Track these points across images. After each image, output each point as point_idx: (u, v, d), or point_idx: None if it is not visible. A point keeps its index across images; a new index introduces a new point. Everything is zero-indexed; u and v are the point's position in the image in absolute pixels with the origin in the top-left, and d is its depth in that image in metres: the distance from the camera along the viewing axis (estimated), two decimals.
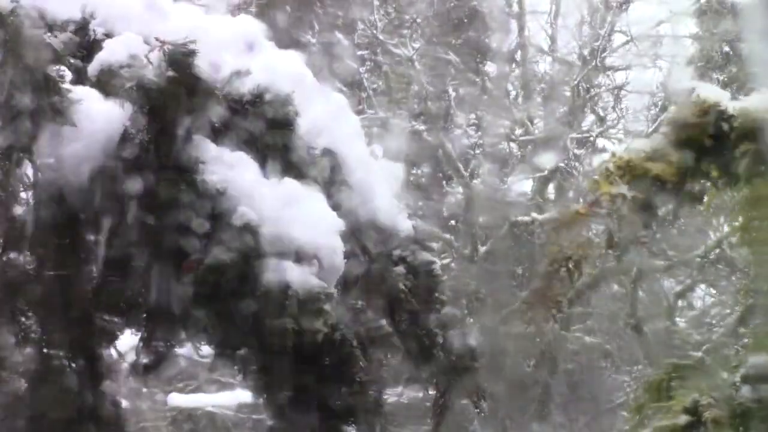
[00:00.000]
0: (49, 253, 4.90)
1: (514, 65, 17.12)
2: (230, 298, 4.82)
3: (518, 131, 16.67)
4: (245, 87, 5.11)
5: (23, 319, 5.00)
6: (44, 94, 4.56)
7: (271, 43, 5.50)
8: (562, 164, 16.02)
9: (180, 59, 4.80)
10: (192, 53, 4.81)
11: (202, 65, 4.93)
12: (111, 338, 5.20)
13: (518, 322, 15.13)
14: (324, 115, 5.30)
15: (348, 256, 5.08)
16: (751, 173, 5.62)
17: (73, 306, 4.94)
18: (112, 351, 5.30)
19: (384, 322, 5.22)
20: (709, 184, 5.84)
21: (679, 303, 16.18)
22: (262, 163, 5.05)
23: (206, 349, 5.29)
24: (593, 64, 16.18)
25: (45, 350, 4.94)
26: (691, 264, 15.35)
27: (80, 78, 4.87)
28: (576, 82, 16.24)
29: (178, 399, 13.53)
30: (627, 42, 16.94)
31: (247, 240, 4.81)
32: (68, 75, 4.73)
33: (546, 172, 16.00)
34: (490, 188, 15.77)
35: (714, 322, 15.28)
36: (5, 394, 5.00)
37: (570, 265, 5.64)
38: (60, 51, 4.86)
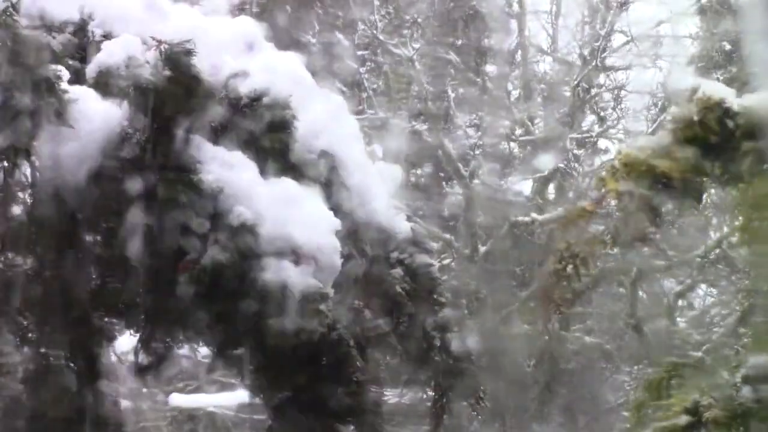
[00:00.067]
0: (48, 254, 4.90)
1: (514, 65, 17.12)
2: (227, 298, 4.82)
3: (518, 131, 16.67)
4: (244, 88, 5.11)
5: (22, 319, 5.00)
6: (42, 94, 4.56)
7: (271, 44, 5.50)
8: (562, 164, 16.01)
9: (177, 59, 4.80)
10: (189, 53, 4.81)
11: (202, 66, 4.94)
12: (110, 338, 5.21)
13: (518, 322, 15.14)
14: (322, 117, 5.30)
15: (346, 257, 5.08)
16: (753, 172, 5.61)
17: (72, 306, 4.94)
18: (112, 351, 5.31)
19: (381, 322, 5.22)
20: (711, 182, 5.83)
21: (679, 303, 16.18)
22: (261, 163, 5.05)
23: (205, 349, 5.30)
24: (593, 64, 16.18)
25: (43, 350, 4.94)
26: (691, 264, 15.34)
27: (78, 79, 4.87)
28: (576, 83, 16.23)
29: (178, 399, 13.53)
30: (627, 42, 16.93)
31: (244, 240, 4.81)
32: (66, 75, 4.73)
33: (546, 173, 16.00)
34: (490, 188, 15.76)
35: (714, 322, 15.27)
36: (4, 394, 5.00)
37: (577, 262, 5.63)
38: (58, 52, 4.86)
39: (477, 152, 16.23)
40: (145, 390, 11.19)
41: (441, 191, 16.39)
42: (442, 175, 16.30)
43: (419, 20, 16.05)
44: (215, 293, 4.81)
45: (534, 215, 15.33)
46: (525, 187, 16.63)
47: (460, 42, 16.53)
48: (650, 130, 15.61)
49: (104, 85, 4.81)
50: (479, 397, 5.59)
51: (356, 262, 5.19)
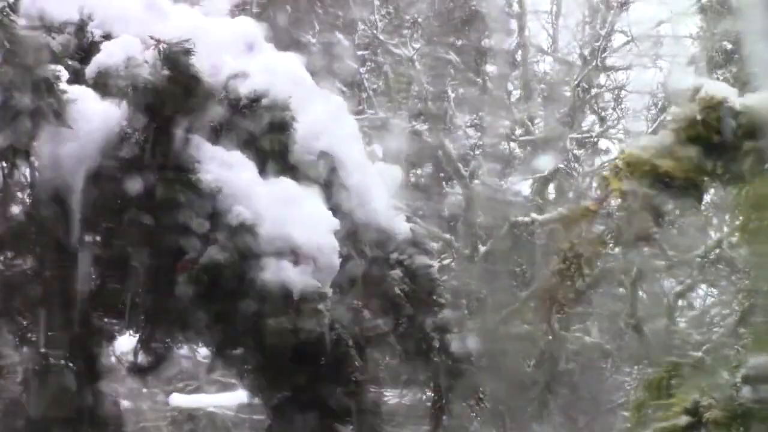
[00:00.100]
0: (47, 254, 4.90)
1: (514, 65, 17.12)
2: (226, 298, 4.83)
3: (518, 131, 16.67)
4: (244, 89, 5.11)
5: (21, 319, 5.00)
6: (41, 95, 4.55)
7: (270, 45, 5.50)
8: (562, 165, 16.01)
9: (176, 58, 4.80)
10: (188, 52, 4.81)
11: (202, 66, 4.94)
12: (110, 338, 5.21)
13: (518, 322, 15.14)
14: (322, 118, 5.30)
15: (345, 258, 5.08)
16: (754, 172, 5.62)
17: (71, 306, 4.94)
18: (112, 351, 5.31)
19: (380, 322, 5.22)
20: (713, 181, 5.83)
21: (679, 303, 16.17)
22: (261, 164, 5.05)
23: (205, 350, 5.30)
24: (594, 64, 16.17)
25: (43, 350, 4.94)
26: (691, 264, 15.34)
27: (78, 79, 4.87)
28: (577, 83, 16.23)
29: (179, 399, 13.54)
30: (627, 42, 16.93)
31: (243, 239, 4.81)
32: (65, 75, 4.72)
33: (546, 173, 15.99)
34: (490, 188, 15.76)
35: (714, 322, 15.27)
36: (4, 394, 5.01)
37: (581, 262, 5.63)
38: (58, 52, 4.86)
39: (477, 152, 16.23)
40: (145, 390, 11.20)
41: (441, 191, 16.39)
42: (442, 175, 16.30)
43: (419, 20, 16.04)
44: (214, 293, 4.81)
45: (534, 215, 15.32)
46: (525, 187, 16.64)
47: (460, 42, 16.53)
48: (650, 130, 15.61)
49: (103, 85, 4.81)
50: (479, 398, 5.59)
51: (355, 263, 5.19)
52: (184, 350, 5.44)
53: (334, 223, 4.96)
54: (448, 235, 15.57)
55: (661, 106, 16.21)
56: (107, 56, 4.86)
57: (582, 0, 17.21)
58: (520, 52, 17.13)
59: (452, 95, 15.93)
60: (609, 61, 16.96)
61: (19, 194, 4.89)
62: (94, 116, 4.78)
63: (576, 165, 16.28)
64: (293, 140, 5.13)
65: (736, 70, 14.03)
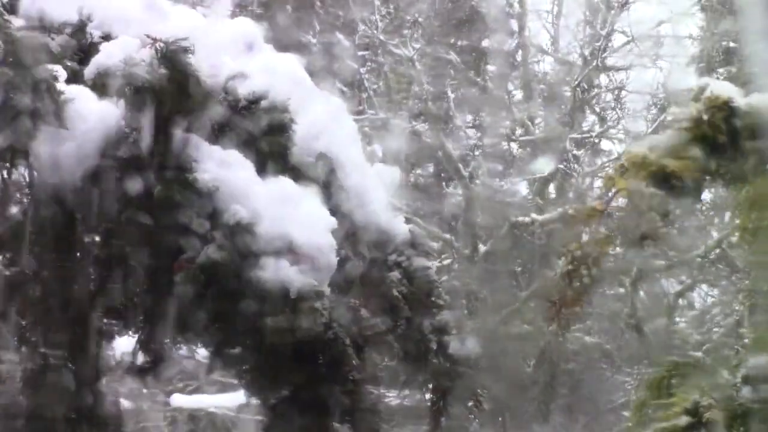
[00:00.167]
0: (46, 254, 4.90)
1: (514, 65, 17.11)
2: (224, 297, 4.83)
3: (518, 131, 16.66)
4: (243, 90, 5.11)
5: (20, 319, 5.00)
6: (39, 95, 4.55)
7: (270, 46, 5.51)
8: (562, 165, 16.00)
9: (173, 57, 4.80)
10: (185, 51, 4.81)
11: (201, 67, 4.94)
12: (109, 338, 5.21)
13: (518, 322, 15.13)
14: (321, 119, 5.31)
15: (344, 259, 5.08)
16: (756, 172, 5.62)
17: (71, 306, 4.94)
18: (112, 351, 5.31)
19: (378, 321, 5.22)
20: (714, 181, 5.84)
21: (679, 303, 16.17)
22: (260, 165, 5.05)
23: (205, 350, 5.30)
24: (594, 64, 16.16)
25: (43, 350, 4.94)
26: (691, 264, 15.33)
27: (77, 80, 4.87)
28: (577, 83, 16.22)
29: (180, 400, 13.55)
30: (628, 42, 16.92)
31: (240, 238, 4.81)
32: (63, 75, 4.72)
33: (546, 173, 15.99)
34: (490, 189, 15.76)
35: (714, 322, 15.26)
36: (4, 394, 5.01)
37: (589, 263, 5.63)
38: (57, 53, 4.86)
39: (477, 153, 16.23)
40: (145, 390, 11.20)
41: (441, 191, 16.39)
42: (443, 175, 16.30)
43: (419, 20, 16.04)
44: (212, 292, 4.81)
45: (534, 216, 15.32)
46: (525, 187, 16.63)
47: (460, 42, 16.52)
48: (650, 130, 15.60)
49: (102, 85, 4.81)
50: (478, 400, 5.59)
51: (354, 264, 5.19)
52: (183, 350, 5.44)
53: (332, 222, 4.97)
54: (448, 235, 15.56)
55: (661, 106, 16.20)
56: (106, 57, 4.86)
57: (582, 0, 17.20)
58: (520, 52, 17.13)
59: (452, 95, 15.92)
60: (609, 61, 16.96)
61: (19, 194, 4.89)
62: (92, 116, 4.78)
63: (576, 165, 16.27)
64: (292, 142, 5.13)
65: (736, 70, 14.02)
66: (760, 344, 6.26)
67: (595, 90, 17.17)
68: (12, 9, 5.08)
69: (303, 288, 4.81)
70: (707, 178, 5.69)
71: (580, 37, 17.15)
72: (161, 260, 4.85)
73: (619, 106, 17.26)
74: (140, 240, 4.82)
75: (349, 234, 5.21)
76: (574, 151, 16.32)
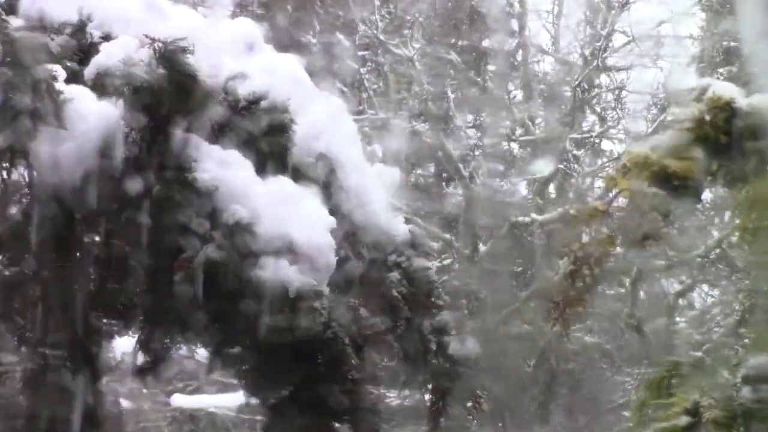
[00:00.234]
0: (46, 254, 4.90)
1: (514, 65, 17.11)
2: (223, 296, 4.83)
3: (519, 131, 16.66)
4: (243, 90, 5.12)
5: (20, 319, 5.00)
6: (38, 95, 4.55)
7: (270, 46, 5.51)
8: (562, 165, 16.00)
9: (172, 57, 4.80)
10: (184, 50, 4.81)
11: (201, 67, 4.94)
12: (109, 338, 5.21)
13: (518, 322, 15.13)
14: (321, 119, 5.31)
15: (343, 259, 5.09)
16: (756, 173, 5.62)
17: (70, 306, 4.94)
18: (112, 351, 5.31)
19: (377, 320, 5.23)
20: (715, 181, 5.84)
21: (679, 303, 16.16)
22: (260, 165, 5.05)
23: (204, 350, 5.30)
24: (594, 64, 16.16)
25: (42, 350, 4.94)
26: (691, 264, 15.33)
27: (77, 80, 4.87)
28: (577, 83, 16.22)
29: (180, 400, 13.55)
30: (628, 42, 16.92)
31: (239, 238, 4.82)
32: (62, 75, 4.72)
33: (546, 173, 15.98)
34: (490, 189, 15.76)
35: (714, 321, 15.25)
36: (3, 394, 5.01)
37: (591, 263, 5.64)
38: (57, 53, 4.86)
39: (477, 153, 16.23)
40: (145, 390, 11.21)
41: (441, 191, 16.39)
42: (445, 175, 16.30)
43: (420, 20, 16.04)
44: (211, 292, 4.81)
45: (534, 216, 15.32)
46: (525, 187, 16.63)
47: (460, 42, 16.52)
48: (650, 130, 15.61)
49: (101, 86, 4.81)
50: (477, 400, 5.60)
51: (353, 264, 5.19)
52: (183, 350, 5.44)
53: (331, 221, 4.97)
54: (448, 235, 15.56)
55: (661, 106, 16.20)
56: (106, 57, 4.86)
57: (583, 0, 17.20)
58: (520, 52, 17.12)
59: (452, 95, 15.92)
60: (610, 61, 16.95)
61: (18, 194, 4.89)
62: (92, 116, 4.78)
63: (576, 165, 16.27)
64: (292, 142, 5.13)
65: (737, 70, 14.02)
66: (760, 344, 6.26)
67: (596, 90, 17.17)
68: (12, 9, 5.09)
69: (302, 287, 4.81)
70: (709, 178, 5.70)
71: (580, 37, 17.16)
72: (161, 260, 4.86)
73: (619, 106, 17.26)
74: (140, 240, 4.82)
75: (349, 234, 5.21)
76: (574, 151, 16.32)
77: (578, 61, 16.72)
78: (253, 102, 5.10)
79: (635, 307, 15.08)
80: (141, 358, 5.15)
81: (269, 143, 5.09)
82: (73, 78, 4.86)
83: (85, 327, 5.06)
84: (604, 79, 17.25)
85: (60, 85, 4.65)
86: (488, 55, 16.97)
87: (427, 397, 5.62)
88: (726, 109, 5.56)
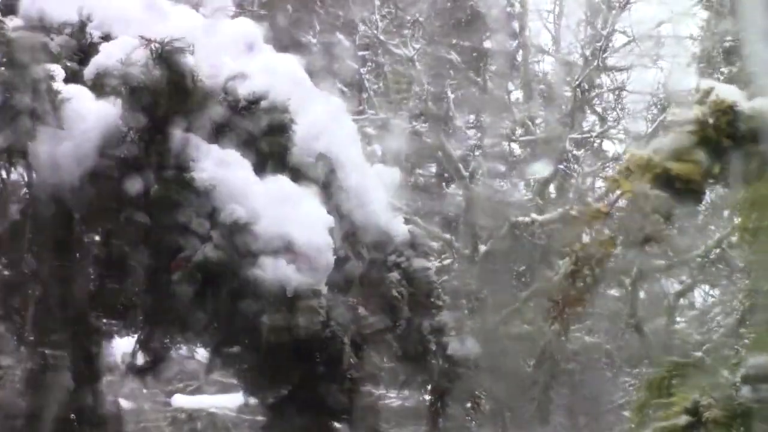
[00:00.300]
0: (46, 253, 4.90)
1: (515, 65, 17.11)
2: (221, 296, 4.83)
3: (519, 131, 16.66)
4: (243, 90, 5.12)
5: (19, 318, 5.00)
6: (36, 95, 4.56)
7: (270, 46, 5.51)
8: (562, 165, 16.00)
9: (169, 57, 4.80)
10: (181, 51, 4.81)
11: (201, 67, 4.94)
12: (109, 338, 5.21)
13: (518, 322, 15.12)
14: (321, 119, 5.31)
15: (343, 259, 5.09)
16: (757, 174, 5.63)
17: (70, 306, 4.94)
18: (112, 351, 5.32)
19: (376, 319, 5.23)
20: (715, 182, 5.86)
21: (680, 303, 16.16)
22: (260, 165, 5.06)
23: (204, 350, 5.31)
24: (595, 64, 16.16)
25: (42, 350, 4.94)
26: (691, 264, 15.33)
27: (77, 80, 4.87)
28: (577, 83, 16.22)
29: (181, 400, 13.56)
30: (628, 42, 16.93)
31: (238, 237, 4.82)
32: (60, 75, 4.73)
33: (546, 173, 15.98)
34: (490, 189, 15.76)
35: (714, 322, 15.26)
36: (3, 394, 5.01)
37: (592, 264, 5.65)
38: (57, 53, 4.86)
39: (477, 153, 16.23)
40: (145, 390, 11.21)
41: (441, 191, 16.39)
42: (446, 176, 16.30)
43: (420, 20, 16.03)
44: (209, 291, 4.82)
45: (534, 216, 15.31)
46: (525, 187, 16.63)
47: (460, 42, 16.52)
48: (650, 130, 15.61)
49: (100, 85, 4.81)
50: (477, 400, 5.60)
51: (353, 264, 5.20)
52: (183, 350, 5.44)
53: (330, 220, 4.98)
54: (448, 235, 15.56)
55: (661, 106, 16.20)
56: (106, 57, 4.87)
57: (583, 0, 17.20)
58: (520, 52, 17.12)
59: (452, 95, 15.92)
60: (610, 62, 16.95)
61: (18, 194, 4.89)
62: (91, 116, 4.79)
63: (576, 165, 16.27)
64: (292, 142, 5.14)
65: (737, 70, 14.02)
66: (760, 344, 6.27)
67: (596, 90, 17.16)
68: (12, 9, 5.09)
69: (300, 287, 4.82)
70: (710, 181, 5.71)
71: (580, 37, 17.15)
72: (160, 260, 4.86)
73: (619, 106, 17.26)
74: (139, 240, 4.82)
75: (349, 234, 5.22)
76: (574, 151, 16.31)
77: (578, 61, 16.71)
78: (253, 102, 5.10)
79: (635, 307, 15.07)
80: (141, 358, 5.15)
81: (269, 143, 5.09)
82: (73, 78, 4.86)
83: (85, 327, 5.06)
84: (604, 79, 17.26)
85: (58, 85, 4.65)
86: (488, 55, 16.97)
87: (426, 397, 5.62)
88: (729, 112, 5.57)
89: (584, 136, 16.68)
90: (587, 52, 16.36)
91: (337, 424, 5.11)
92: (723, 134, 5.59)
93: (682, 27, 16.73)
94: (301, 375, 5.01)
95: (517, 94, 17.23)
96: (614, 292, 15.65)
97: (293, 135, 5.13)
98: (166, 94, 4.80)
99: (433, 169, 16.84)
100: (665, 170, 5.58)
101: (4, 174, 4.73)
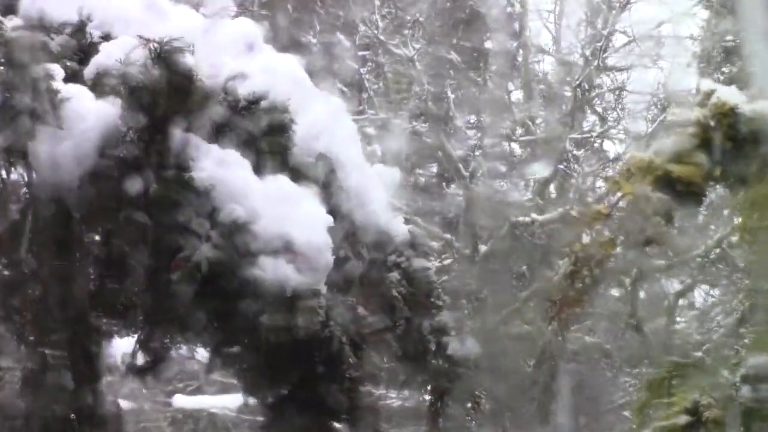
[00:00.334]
0: (45, 253, 4.91)
1: (515, 65, 17.10)
2: (221, 295, 4.84)
3: (519, 131, 16.66)
4: (243, 90, 5.12)
5: (19, 318, 5.00)
6: (36, 94, 4.56)
7: (270, 46, 5.51)
8: (562, 165, 16.00)
9: (168, 56, 4.80)
10: (180, 51, 4.82)
11: (201, 67, 4.94)
12: (109, 338, 5.22)
13: (518, 322, 15.12)
14: (321, 119, 5.31)
15: (343, 259, 5.09)
16: (758, 176, 5.64)
17: (70, 306, 4.94)
18: (112, 351, 5.32)
19: (376, 319, 5.24)
20: (716, 183, 5.87)
21: (679, 303, 16.16)
22: (260, 165, 5.06)
23: (204, 350, 5.31)
24: (595, 64, 16.16)
25: (41, 350, 4.94)
26: (691, 264, 15.33)
27: (77, 80, 4.88)
28: (578, 83, 16.22)
29: (182, 400, 13.57)
30: (629, 42, 16.93)
31: (237, 237, 4.82)
32: (60, 74, 4.73)
33: (547, 173, 15.98)
34: (490, 189, 15.75)
35: (714, 322, 15.26)
36: (3, 394, 5.01)
37: (592, 265, 5.66)
38: (56, 53, 4.87)
39: (477, 153, 16.22)
40: (145, 390, 11.21)
41: (441, 191, 16.39)
42: (446, 175, 16.30)
43: (420, 20, 16.03)
44: (209, 291, 4.82)
45: (534, 216, 15.31)
46: (525, 187, 16.62)
47: (460, 42, 16.51)
48: (650, 130, 15.61)
49: (101, 86, 4.82)
50: (477, 400, 5.60)
51: (353, 264, 5.20)
52: (183, 350, 5.44)
53: (328, 220, 4.98)
54: (448, 235, 15.56)
55: (661, 106, 16.20)
56: (106, 57, 4.87)
57: (583, 0, 17.20)
58: (521, 52, 17.12)
59: (452, 95, 15.91)
60: (610, 62, 16.95)
61: (17, 194, 4.89)
62: (91, 115, 4.79)
63: (576, 165, 16.26)
64: (292, 142, 5.14)
65: (737, 70, 14.03)
66: (760, 344, 6.28)
67: (596, 90, 17.16)
68: (12, 9, 5.10)
69: (299, 287, 4.82)
70: (712, 183, 5.72)
71: (581, 37, 17.15)
72: (160, 260, 4.86)
73: (619, 106, 17.26)
74: (139, 239, 4.82)
75: (349, 234, 5.22)
76: (575, 151, 16.31)
77: (579, 61, 16.71)
78: (253, 102, 5.11)
79: (635, 307, 15.07)
80: (141, 358, 5.15)
81: (269, 143, 5.09)
82: (73, 78, 4.87)
83: (85, 327, 5.06)
84: (604, 79, 17.25)
85: (58, 85, 4.65)
86: (488, 55, 16.96)
87: (426, 397, 5.62)
88: (730, 115, 5.59)
89: (584, 136, 16.67)
90: (587, 52, 16.36)
91: (336, 424, 5.11)
92: (724, 137, 5.60)
93: (683, 27, 16.75)
94: (300, 375, 5.01)
95: (517, 94, 17.22)
96: (614, 292, 15.65)
97: (293, 135, 5.13)
98: (166, 94, 4.80)
99: (433, 169, 16.84)
100: (666, 173, 5.60)
101: (4, 174, 4.74)
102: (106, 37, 5.09)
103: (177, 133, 4.91)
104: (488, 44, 17.04)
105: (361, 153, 5.48)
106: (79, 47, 5.11)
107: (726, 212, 14.17)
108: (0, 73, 4.54)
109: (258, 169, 5.04)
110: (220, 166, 4.92)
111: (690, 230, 14.75)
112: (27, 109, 4.56)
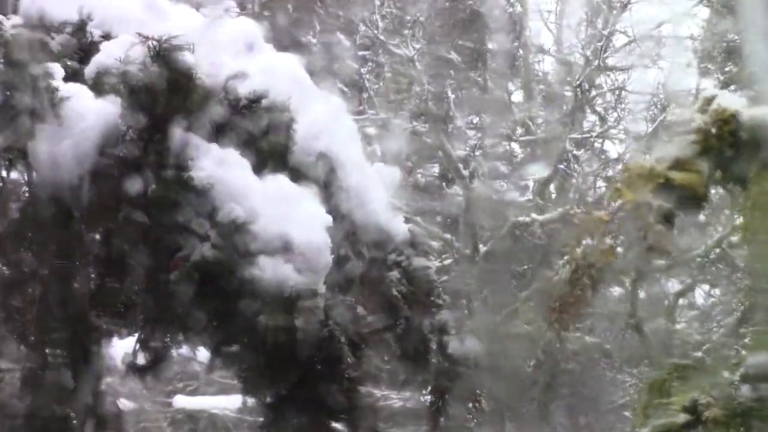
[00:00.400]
0: (45, 252, 4.91)
1: (515, 65, 17.10)
2: (220, 295, 4.84)
3: (519, 131, 16.66)
4: (243, 90, 5.12)
5: (19, 317, 5.01)
6: (35, 94, 4.56)
7: (270, 46, 5.51)
8: (562, 165, 16.00)
9: (167, 55, 4.81)
10: (179, 48, 4.82)
11: (201, 66, 4.95)
12: (108, 337, 5.22)
13: (518, 322, 15.12)
14: (321, 118, 5.32)
15: (343, 258, 5.09)
16: (759, 177, 5.65)
17: (70, 305, 4.94)
18: (112, 351, 5.32)
19: (375, 318, 5.24)
20: (716, 186, 5.88)
21: (680, 303, 16.16)
22: (260, 164, 5.06)
23: (204, 351, 5.31)
24: (595, 64, 16.16)
25: (42, 349, 4.94)
26: (691, 264, 15.33)
27: (77, 79, 4.88)
28: (578, 83, 16.22)
29: (182, 401, 13.57)
30: (629, 42, 16.93)
31: (236, 237, 4.82)
32: (60, 73, 4.73)
33: (546, 173, 15.98)
34: (490, 189, 15.75)
35: (714, 322, 15.26)
36: (3, 393, 5.01)
37: (593, 272, 5.66)
38: (57, 52, 4.87)
39: (477, 153, 16.22)
40: (145, 390, 11.21)
41: (441, 191, 16.39)
42: (447, 176, 16.29)
43: (420, 20, 16.03)
44: (209, 291, 4.82)
45: (534, 216, 15.32)
46: (525, 187, 16.62)
47: (461, 42, 16.51)
48: (650, 130, 15.61)
49: (102, 85, 4.82)
50: (477, 400, 5.60)
51: (353, 264, 5.20)
52: (183, 351, 5.45)
53: (327, 219, 4.98)
54: (448, 235, 15.56)
55: (661, 106, 16.20)
56: (106, 56, 4.88)
57: (584, 0, 17.20)
58: (521, 52, 17.11)
59: (452, 95, 15.91)
60: (610, 62, 16.94)
61: (18, 193, 4.90)
62: (90, 114, 4.79)
63: (576, 165, 16.26)
64: (292, 141, 5.14)
65: (737, 70, 14.03)
66: (760, 344, 6.27)
67: (596, 90, 17.16)
68: (12, 9, 5.10)
69: (299, 286, 4.82)
70: (713, 189, 5.73)
71: (581, 37, 17.15)
72: (160, 259, 4.86)
73: (620, 106, 17.26)
74: (138, 239, 4.83)
75: (349, 234, 5.22)
76: (575, 152, 16.31)
77: (579, 61, 16.71)
78: (254, 101, 5.11)
79: (635, 307, 15.06)
80: (141, 358, 5.16)
81: (269, 143, 5.10)
82: (74, 77, 4.87)
83: (85, 326, 5.06)
84: (604, 79, 17.25)
85: (58, 84, 4.66)
86: (488, 55, 16.96)
87: (426, 397, 5.62)
88: (730, 121, 5.59)
89: (584, 136, 16.67)
90: (588, 52, 16.35)
91: (336, 424, 5.11)
92: (725, 143, 5.61)
93: (683, 27, 16.74)
94: (300, 375, 5.01)
95: (517, 94, 17.22)
96: (614, 292, 15.65)
97: (293, 134, 5.14)
98: (166, 92, 4.81)
99: (433, 169, 16.83)
100: (667, 180, 5.60)
101: (4, 173, 4.74)
102: (107, 37, 5.10)
103: (177, 133, 4.91)
104: (488, 44, 17.03)
105: (361, 153, 5.49)
106: (80, 46, 5.12)
107: (726, 212, 14.17)
108: (0, 73, 4.54)
109: (258, 169, 5.04)
110: (219, 166, 4.92)
111: (690, 230, 14.75)
112: (27, 108, 4.57)
